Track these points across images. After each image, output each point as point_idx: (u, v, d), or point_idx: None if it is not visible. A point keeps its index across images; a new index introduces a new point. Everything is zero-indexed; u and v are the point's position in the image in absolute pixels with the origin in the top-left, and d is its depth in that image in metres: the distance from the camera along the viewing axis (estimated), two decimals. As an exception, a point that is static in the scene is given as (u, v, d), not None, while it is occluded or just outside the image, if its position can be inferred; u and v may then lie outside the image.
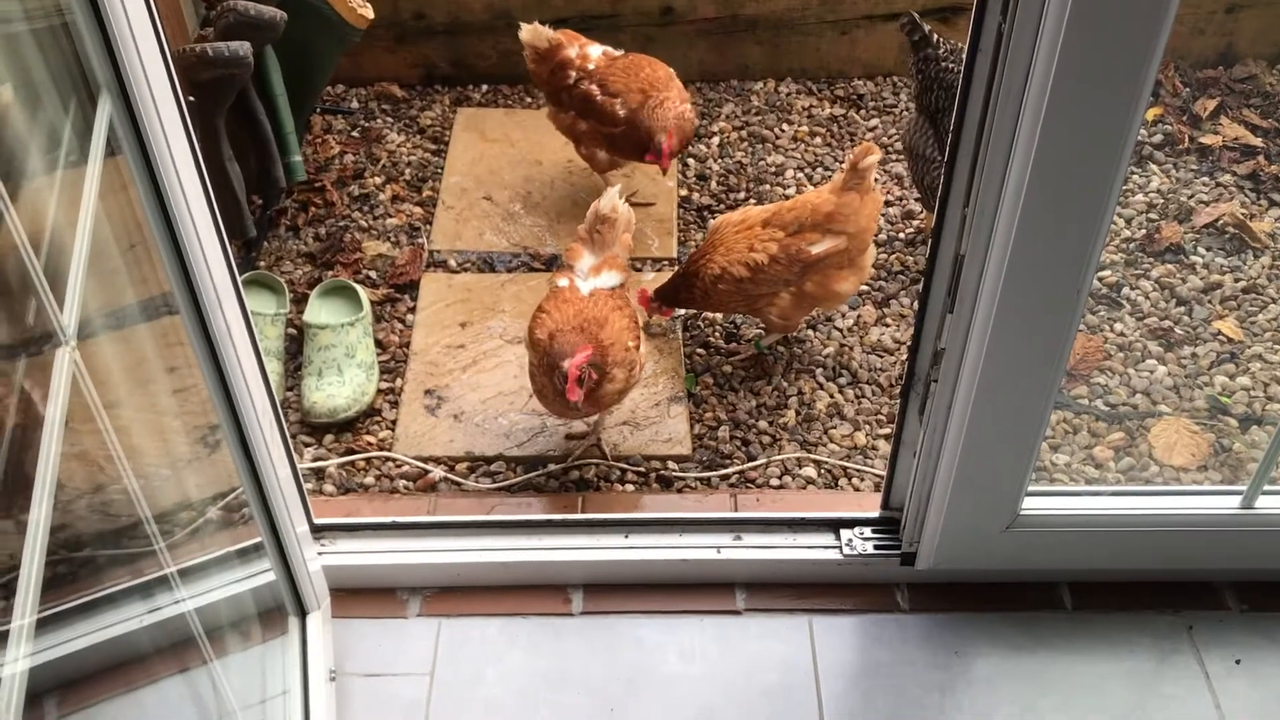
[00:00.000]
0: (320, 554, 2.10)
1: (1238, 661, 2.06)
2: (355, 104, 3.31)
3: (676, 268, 2.71)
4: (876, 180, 2.48)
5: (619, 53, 2.86)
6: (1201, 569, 2.15)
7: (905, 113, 3.27)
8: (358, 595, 2.13)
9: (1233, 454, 2.43)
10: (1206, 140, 3.13)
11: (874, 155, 2.38)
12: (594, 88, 2.78)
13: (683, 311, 2.72)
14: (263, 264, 2.82)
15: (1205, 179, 3.05)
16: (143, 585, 1.73)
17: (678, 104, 2.73)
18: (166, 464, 1.84)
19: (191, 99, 1.49)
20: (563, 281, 2.35)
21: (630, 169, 3.06)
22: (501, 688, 2.03)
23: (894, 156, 3.14)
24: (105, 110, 1.39)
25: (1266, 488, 2.00)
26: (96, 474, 1.62)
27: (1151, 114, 3.21)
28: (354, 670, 2.04)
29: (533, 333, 2.28)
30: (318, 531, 2.13)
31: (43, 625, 1.63)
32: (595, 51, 2.83)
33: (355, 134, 3.21)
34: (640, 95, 2.74)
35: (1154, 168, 3.07)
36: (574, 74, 2.80)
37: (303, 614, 2.02)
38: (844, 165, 2.45)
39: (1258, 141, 3.12)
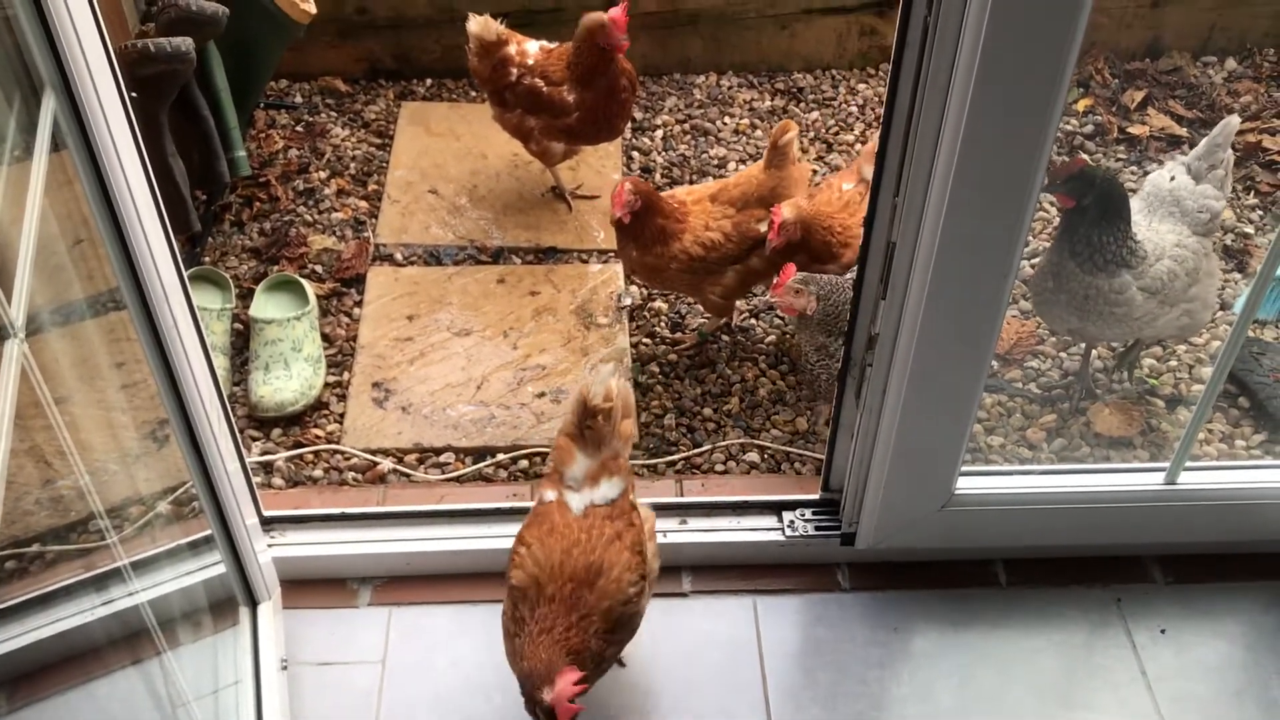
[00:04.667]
0: (270, 545, 2.12)
1: (1163, 631, 2.15)
2: (299, 99, 3.31)
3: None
4: (816, 172, 2.54)
5: (554, 45, 2.88)
6: (1129, 544, 2.24)
7: (844, 105, 3.34)
8: (308, 586, 2.15)
9: (1159, 433, 2.51)
10: (1134, 130, 3.23)
11: (791, 132, 2.50)
12: (538, 81, 2.80)
13: (629, 301, 2.76)
14: (208, 259, 2.82)
15: (1134, 168, 3.14)
16: (96, 578, 1.74)
17: None
18: (116, 458, 1.85)
19: (134, 95, 1.51)
20: (550, 495, 1.90)
21: (575, 161, 3.09)
22: (452, 674, 2.06)
23: (835, 147, 3.20)
24: (49, 106, 1.41)
25: (1188, 464, 2.09)
26: (46, 469, 1.63)
27: (1082, 105, 3.31)
28: (306, 659, 2.06)
29: (509, 577, 1.84)
30: (267, 524, 2.15)
31: (-7, 619, 1.64)
32: (533, 47, 2.85)
33: (299, 129, 3.21)
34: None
35: (1085, 157, 3.16)
36: (515, 70, 2.82)
37: (254, 604, 2.04)
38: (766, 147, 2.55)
39: (1183, 131, 3.22)
